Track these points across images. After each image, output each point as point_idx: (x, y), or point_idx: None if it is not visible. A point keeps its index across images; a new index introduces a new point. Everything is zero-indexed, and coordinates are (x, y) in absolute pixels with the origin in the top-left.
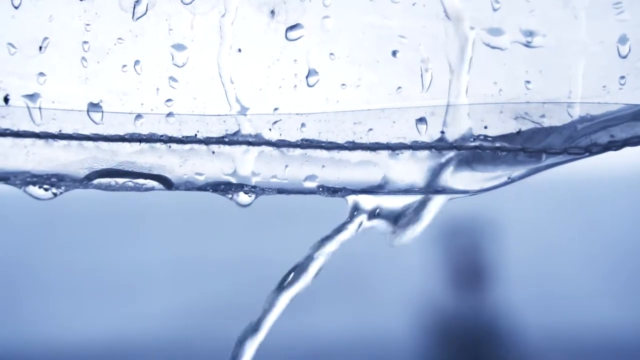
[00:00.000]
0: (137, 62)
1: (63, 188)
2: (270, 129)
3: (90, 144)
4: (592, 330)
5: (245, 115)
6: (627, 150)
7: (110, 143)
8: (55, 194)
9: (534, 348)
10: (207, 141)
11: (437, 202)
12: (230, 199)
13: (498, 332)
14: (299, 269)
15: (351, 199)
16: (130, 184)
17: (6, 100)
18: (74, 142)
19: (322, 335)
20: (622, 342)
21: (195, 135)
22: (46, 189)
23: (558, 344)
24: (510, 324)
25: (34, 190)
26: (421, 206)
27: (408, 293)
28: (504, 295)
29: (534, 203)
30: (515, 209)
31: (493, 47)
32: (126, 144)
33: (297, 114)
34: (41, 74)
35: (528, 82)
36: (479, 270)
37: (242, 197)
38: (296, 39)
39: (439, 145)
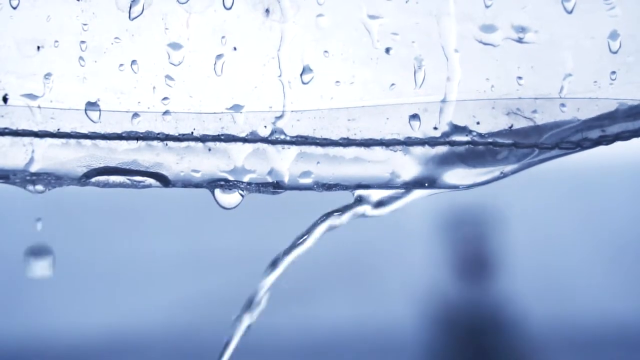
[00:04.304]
0: (133, 62)
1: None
2: (265, 126)
3: (88, 142)
4: (597, 320)
5: (240, 112)
6: (634, 140)
7: (108, 141)
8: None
9: (538, 337)
10: (204, 138)
11: (420, 193)
12: (223, 191)
13: (502, 322)
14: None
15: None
16: (128, 181)
17: (5, 99)
18: (72, 141)
19: (327, 325)
20: (626, 332)
21: (192, 132)
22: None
23: (563, 334)
24: (514, 314)
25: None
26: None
27: (413, 283)
28: (509, 284)
29: (539, 193)
30: (520, 199)
31: (485, 44)
32: (123, 142)
33: (292, 111)
34: (39, 73)
35: (520, 78)
36: (484, 260)
37: (225, 199)
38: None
39: (432, 141)
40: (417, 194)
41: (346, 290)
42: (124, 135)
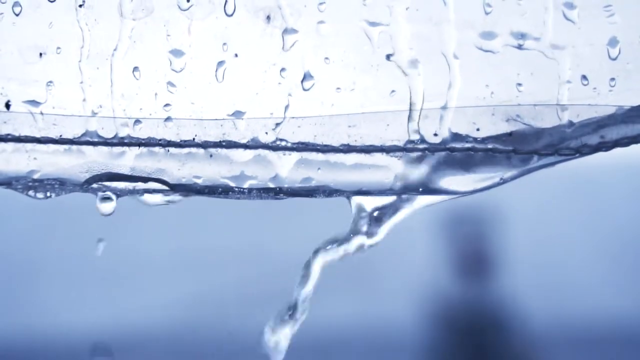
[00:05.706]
0: (135, 68)
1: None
2: (266, 133)
3: (90, 148)
4: (598, 319)
5: (241, 119)
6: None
7: (110, 147)
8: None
9: (539, 336)
10: (205, 145)
11: (421, 201)
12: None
13: (503, 321)
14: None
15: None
16: (130, 187)
17: (7, 106)
18: (74, 147)
19: (327, 324)
20: (627, 331)
21: (193, 139)
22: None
23: (563, 333)
24: (515, 313)
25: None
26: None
27: (413, 281)
28: (509, 284)
29: (539, 192)
30: (520, 199)
31: (485, 50)
32: (125, 148)
33: (293, 117)
34: (42, 80)
35: (519, 84)
36: (484, 259)
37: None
38: (292, 45)
39: (432, 147)
40: (418, 203)
41: (346, 289)
42: (126, 141)
